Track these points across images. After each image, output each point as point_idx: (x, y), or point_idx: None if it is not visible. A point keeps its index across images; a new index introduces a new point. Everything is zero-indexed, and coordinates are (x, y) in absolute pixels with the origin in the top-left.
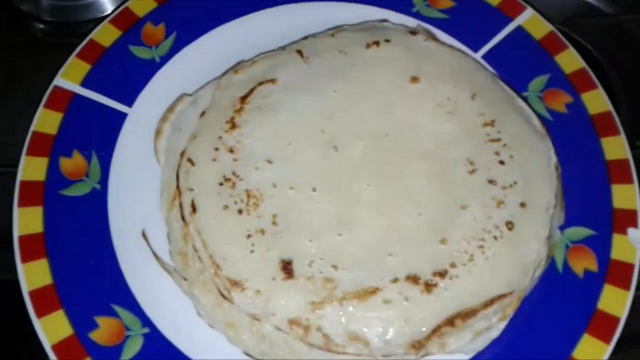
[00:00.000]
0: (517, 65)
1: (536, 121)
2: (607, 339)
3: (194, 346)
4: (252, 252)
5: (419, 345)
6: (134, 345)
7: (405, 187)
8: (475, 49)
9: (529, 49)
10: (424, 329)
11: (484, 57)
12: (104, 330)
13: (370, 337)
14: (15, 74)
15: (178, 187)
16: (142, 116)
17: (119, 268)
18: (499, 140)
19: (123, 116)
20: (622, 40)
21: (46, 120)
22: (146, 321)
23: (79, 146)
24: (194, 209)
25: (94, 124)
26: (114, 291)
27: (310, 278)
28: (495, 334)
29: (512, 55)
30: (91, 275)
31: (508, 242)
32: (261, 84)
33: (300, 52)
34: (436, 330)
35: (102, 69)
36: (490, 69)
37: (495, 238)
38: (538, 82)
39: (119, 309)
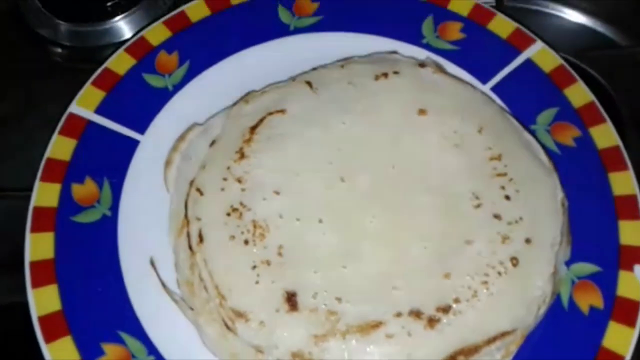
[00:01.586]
0: (526, 97)
1: (543, 156)
2: None
3: None
4: (257, 282)
5: None
6: None
7: (410, 220)
8: (484, 81)
9: (538, 81)
10: None
11: (493, 88)
12: (109, 357)
13: None
14: (32, 97)
15: (186, 216)
16: (153, 143)
17: (127, 295)
18: (505, 174)
19: (135, 143)
20: (633, 72)
21: (60, 147)
22: (152, 349)
23: (91, 172)
24: (201, 239)
25: (106, 151)
26: (120, 318)
27: (314, 310)
28: None
29: (521, 87)
30: (99, 301)
31: (512, 278)
32: (270, 114)
33: (309, 83)
34: None
35: (116, 97)
36: (499, 101)
37: (500, 273)
38: (546, 115)
39: (125, 336)
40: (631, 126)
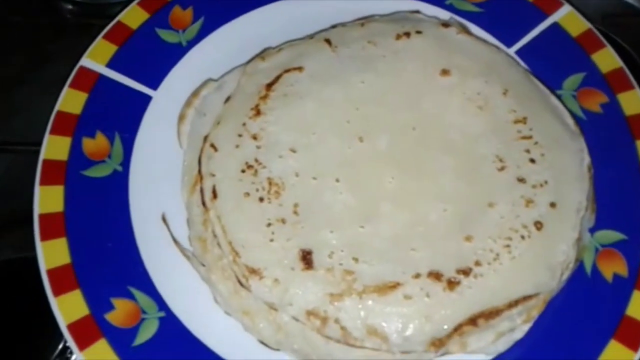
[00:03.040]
0: (552, 62)
1: (569, 120)
2: (634, 346)
3: (209, 332)
4: (272, 240)
5: (439, 343)
6: (149, 328)
7: (430, 182)
8: (509, 44)
9: (565, 46)
10: (445, 327)
11: (518, 52)
12: (119, 312)
13: (389, 332)
14: (43, 54)
15: (200, 172)
16: (166, 100)
17: (137, 251)
18: (530, 137)
19: (147, 99)
20: None
21: (71, 100)
22: (162, 305)
23: (102, 127)
24: (215, 195)
25: (118, 106)
26: (131, 273)
27: (330, 269)
28: (518, 335)
29: (547, 51)
30: (109, 256)
31: (536, 242)
32: (287, 71)
33: (328, 41)
34: (457, 329)
35: (128, 51)
36: (524, 64)
37: (523, 237)
38: (572, 80)
39: (135, 291)
40: None
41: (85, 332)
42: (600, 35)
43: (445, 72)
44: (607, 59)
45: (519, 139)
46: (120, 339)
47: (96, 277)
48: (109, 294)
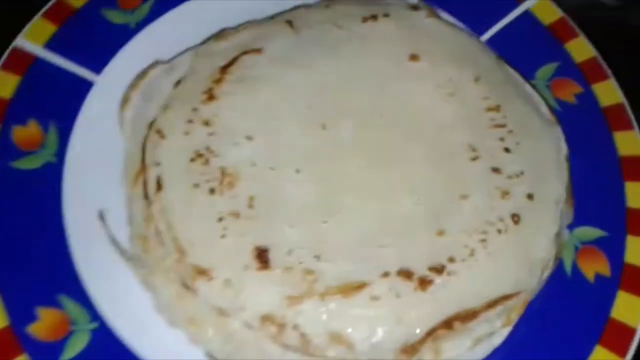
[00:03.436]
0: (524, 51)
1: (545, 108)
2: (621, 352)
3: (148, 345)
4: (223, 236)
5: (411, 350)
6: (78, 342)
7: (399, 172)
8: (480, 32)
9: (537, 34)
10: (418, 331)
11: (488, 41)
12: (44, 323)
13: (355, 338)
14: None
15: (143, 161)
16: (110, 86)
17: (68, 252)
18: (504, 125)
19: (89, 84)
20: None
21: (1, 83)
22: (95, 315)
23: (36, 114)
24: (160, 186)
25: (55, 91)
26: (59, 278)
27: (289, 269)
28: (497, 340)
29: (519, 40)
30: (34, 258)
31: (513, 236)
32: (245, 53)
33: (290, 23)
34: (431, 333)
35: (69, 32)
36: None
37: (499, 231)
38: (546, 70)
39: (64, 299)
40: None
41: (2, 347)
42: (574, 24)
43: (414, 57)
44: (581, 48)
45: (492, 127)
46: (44, 354)
47: (18, 282)
48: (34, 302)
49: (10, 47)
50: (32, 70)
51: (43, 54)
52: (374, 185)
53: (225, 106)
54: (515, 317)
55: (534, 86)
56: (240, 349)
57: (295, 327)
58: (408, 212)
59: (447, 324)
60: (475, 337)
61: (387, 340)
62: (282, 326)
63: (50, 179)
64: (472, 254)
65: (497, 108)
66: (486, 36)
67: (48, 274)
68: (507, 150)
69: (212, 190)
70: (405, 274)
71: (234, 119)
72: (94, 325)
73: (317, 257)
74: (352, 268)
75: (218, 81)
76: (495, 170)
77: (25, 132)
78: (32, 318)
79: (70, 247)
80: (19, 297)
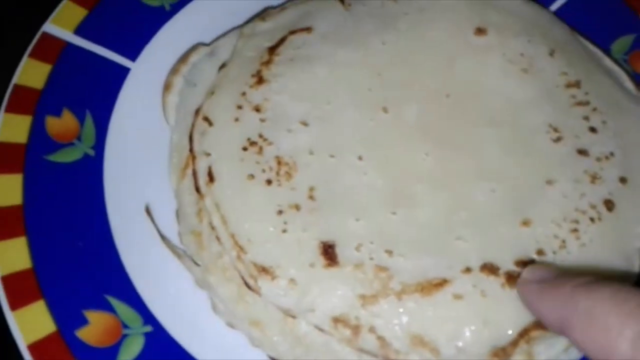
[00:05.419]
0: (597, 23)
1: (629, 83)
2: None
3: (207, 349)
4: (285, 231)
5: (502, 354)
6: (133, 346)
7: (472, 158)
8: (547, 3)
9: (610, 4)
10: (510, 332)
11: (558, 12)
12: (95, 327)
13: (439, 342)
14: (3, 22)
15: (191, 151)
16: (147, 72)
17: (116, 251)
18: (587, 103)
19: (125, 71)
20: None
21: (31, 72)
22: (148, 317)
23: (70, 104)
24: (211, 178)
25: (89, 79)
26: (108, 279)
27: (359, 265)
28: None
29: (591, 11)
30: (80, 259)
31: (607, 224)
32: (293, 32)
33: None
34: (523, 334)
35: (100, 16)
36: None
37: (592, 220)
38: (622, 43)
39: (114, 302)
40: None
41: (51, 354)
42: None
43: (480, 30)
44: None
45: (574, 105)
46: None
47: (65, 285)
48: (82, 305)
49: (39, 34)
50: (63, 57)
51: (74, 40)
52: (443, 173)
53: (277, 89)
54: None
55: (616, 60)
56: (310, 353)
57: (372, 329)
58: (484, 201)
59: (541, 324)
60: None
61: (475, 343)
62: (357, 328)
63: (89, 173)
64: (563, 245)
65: (577, 84)
66: (555, 6)
67: (95, 275)
68: (592, 130)
69: (268, 181)
70: (490, 269)
71: (287, 103)
72: (148, 328)
73: (389, 252)
74: (428, 263)
75: (267, 63)
76: (582, 152)
77: (60, 123)
78: (81, 322)
79: (116, 245)
80: (65, 300)
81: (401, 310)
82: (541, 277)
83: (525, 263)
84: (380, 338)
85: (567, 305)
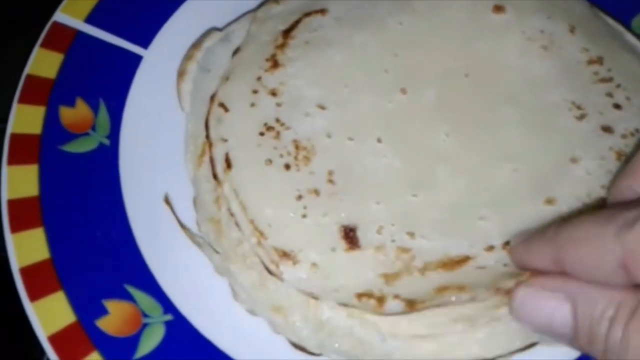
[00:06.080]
0: None
1: None
2: None
3: (228, 337)
4: (304, 216)
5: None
6: (154, 336)
7: (493, 138)
8: None
9: None
10: None
11: None
12: (115, 317)
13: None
14: (14, 14)
15: (208, 137)
16: (160, 59)
17: (134, 240)
18: (610, 79)
19: (137, 59)
20: None
21: (43, 62)
22: (168, 306)
23: (84, 93)
24: (229, 164)
25: (101, 68)
26: (127, 268)
27: (380, 248)
28: None
29: None
30: (99, 248)
31: None
32: (308, 15)
33: None
34: None
35: (111, 3)
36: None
37: None
38: None
39: (133, 291)
40: None
41: (72, 345)
42: None
43: (498, 8)
44: None
45: (596, 82)
46: (117, 351)
47: (83, 275)
48: (101, 295)
49: (50, 23)
50: (74, 46)
51: (85, 29)
52: (464, 153)
53: (292, 73)
54: None
55: (637, 36)
56: (334, 338)
57: (397, 296)
58: (507, 180)
59: None
60: None
61: None
62: (381, 299)
63: (105, 162)
64: None
65: (599, 60)
66: None
67: (113, 265)
68: (617, 106)
69: (287, 166)
70: None
71: (303, 86)
72: (169, 317)
73: (411, 234)
74: (451, 244)
75: (281, 46)
76: (606, 129)
77: (74, 113)
78: (101, 312)
79: (135, 234)
80: (84, 290)
81: (426, 281)
82: (526, 236)
83: None
84: (406, 300)
85: (554, 244)
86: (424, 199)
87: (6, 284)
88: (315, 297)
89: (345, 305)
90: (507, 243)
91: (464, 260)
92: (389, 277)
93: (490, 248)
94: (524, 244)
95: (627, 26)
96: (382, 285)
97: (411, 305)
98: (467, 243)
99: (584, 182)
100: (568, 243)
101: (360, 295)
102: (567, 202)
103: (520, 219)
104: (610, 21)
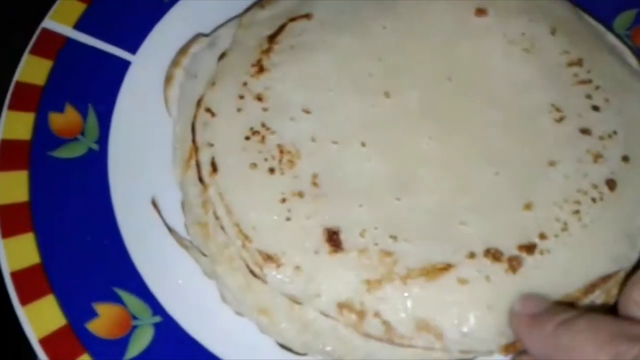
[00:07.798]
0: None
1: (632, 59)
2: None
3: (216, 338)
4: (288, 219)
5: (512, 348)
6: (143, 338)
7: (475, 141)
8: None
9: None
10: None
11: None
12: (104, 320)
13: (444, 327)
14: (3, 21)
15: (194, 142)
16: (147, 64)
17: (123, 244)
18: (589, 81)
19: (125, 64)
20: None
21: (33, 68)
22: (157, 308)
23: (73, 99)
24: (214, 168)
25: (90, 74)
26: (116, 272)
27: (363, 251)
28: None
29: None
30: (88, 252)
31: (610, 204)
32: (293, 19)
33: None
34: None
35: (99, 9)
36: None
37: (594, 200)
38: (625, 18)
39: (123, 294)
40: None
41: (63, 347)
42: None
43: (480, 11)
44: None
45: (576, 84)
46: (107, 353)
47: (73, 279)
48: (91, 298)
49: (39, 30)
50: (63, 53)
51: (74, 35)
52: (447, 157)
53: (278, 78)
54: (615, 292)
55: (618, 36)
56: (318, 338)
57: (377, 314)
58: (488, 184)
59: None
60: None
61: (480, 328)
62: (362, 314)
63: (94, 167)
64: (565, 228)
65: (579, 62)
66: None
67: (103, 268)
68: (595, 108)
69: (271, 170)
70: (493, 254)
71: (288, 91)
72: (157, 318)
73: (394, 238)
74: (433, 248)
75: (267, 51)
76: (585, 131)
77: (63, 118)
78: (91, 315)
79: (123, 238)
80: (74, 294)
81: (406, 294)
82: (530, 311)
83: (527, 248)
84: (385, 323)
85: (550, 342)
86: (407, 203)
87: None
88: (298, 302)
89: (326, 315)
90: (487, 251)
91: (445, 268)
92: (372, 284)
93: (472, 255)
94: (527, 323)
95: (610, 26)
96: (364, 294)
97: (390, 332)
98: (449, 248)
99: (561, 186)
100: (563, 352)
101: (341, 306)
102: (544, 207)
103: (500, 226)
104: (592, 21)
